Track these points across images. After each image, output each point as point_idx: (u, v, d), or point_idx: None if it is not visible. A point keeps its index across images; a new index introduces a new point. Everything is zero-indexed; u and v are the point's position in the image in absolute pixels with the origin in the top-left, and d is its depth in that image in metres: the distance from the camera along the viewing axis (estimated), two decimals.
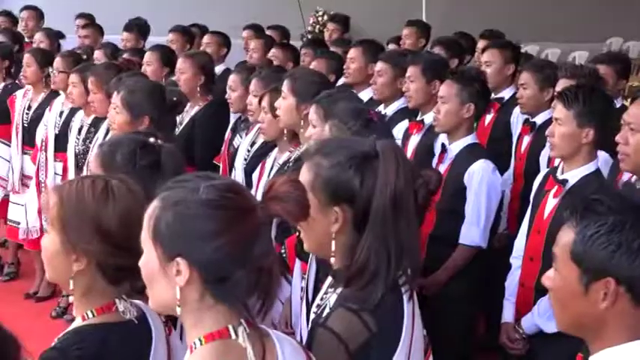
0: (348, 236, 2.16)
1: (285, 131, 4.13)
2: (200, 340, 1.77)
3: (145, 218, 1.81)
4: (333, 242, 2.16)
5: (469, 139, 4.20)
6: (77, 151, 5.56)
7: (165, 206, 1.77)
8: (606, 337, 1.76)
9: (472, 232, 4.09)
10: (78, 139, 5.58)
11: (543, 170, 4.17)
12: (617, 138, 3.23)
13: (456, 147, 4.19)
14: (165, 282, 1.77)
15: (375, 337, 2.05)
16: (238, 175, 4.74)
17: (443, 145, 4.24)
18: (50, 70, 6.11)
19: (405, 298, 2.18)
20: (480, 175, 4.05)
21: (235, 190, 1.82)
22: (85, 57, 6.38)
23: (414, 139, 4.74)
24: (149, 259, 1.79)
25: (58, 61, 6.07)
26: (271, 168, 4.22)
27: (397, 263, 2.13)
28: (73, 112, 5.83)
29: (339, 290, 2.17)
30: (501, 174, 4.94)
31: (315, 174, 2.15)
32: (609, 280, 1.71)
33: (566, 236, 1.77)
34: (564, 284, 1.78)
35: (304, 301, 3.11)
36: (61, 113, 6.00)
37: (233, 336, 1.77)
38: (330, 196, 2.13)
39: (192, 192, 1.76)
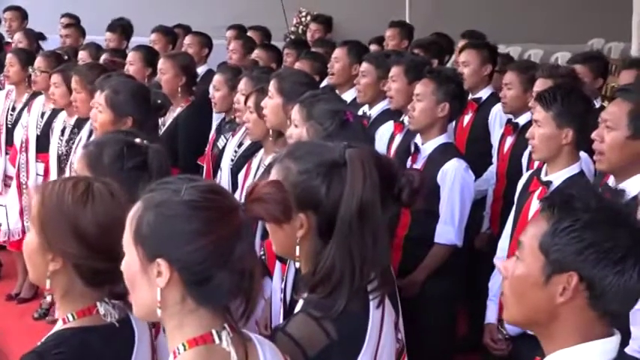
0: (312, 243, 2.15)
1: (271, 132, 4.12)
2: (184, 345, 1.76)
3: (127, 220, 1.80)
4: (298, 247, 2.16)
5: (442, 139, 4.21)
6: (60, 152, 5.53)
7: (147, 207, 1.77)
8: (556, 334, 1.76)
9: (447, 231, 4.10)
10: (61, 140, 5.56)
11: (526, 171, 4.19)
12: (593, 135, 3.24)
13: (428, 147, 4.19)
14: (146, 284, 1.77)
15: (335, 344, 2.04)
16: (224, 176, 4.73)
17: (416, 145, 4.25)
18: (31, 69, 6.08)
19: (373, 304, 2.17)
20: (452, 174, 4.07)
21: (217, 191, 1.82)
22: (66, 57, 6.35)
23: (397, 140, 4.76)
24: (131, 261, 1.79)
25: (39, 61, 6.05)
26: (257, 169, 4.22)
27: (362, 273, 2.12)
28: (55, 113, 5.80)
29: (305, 295, 2.17)
30: (481, 174, 4.99)
31: (283, 178, 2.14)
32: (572, 274, 1.70)
33: (538, 227, 1.76)
34: (526, 273, 1.76)
35: (282, 303, 3.11)
36: (43, 114, 5.97)
37: (217, 341, 1.76)
38: (296, 202, 2.10)
39: (174, 193, 1.77)
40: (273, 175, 2.17)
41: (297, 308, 2.29)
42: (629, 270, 1.69)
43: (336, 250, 2.10)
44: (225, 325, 1.78)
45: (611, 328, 1.76)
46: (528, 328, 1.86)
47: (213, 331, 1.76)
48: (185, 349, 1.75)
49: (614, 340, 1.75)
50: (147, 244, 1.76)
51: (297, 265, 2.19)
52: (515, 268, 1.80)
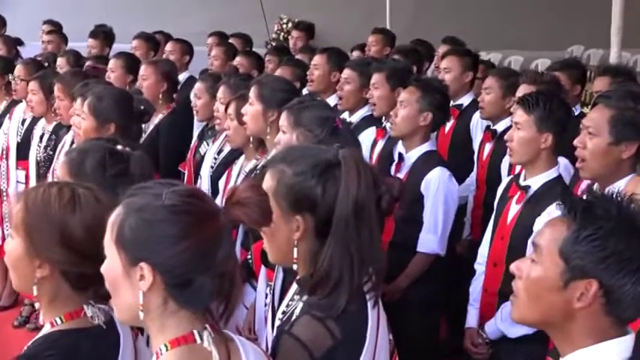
0: (310, 244, 2.18)
1: (252, 138, 4.13)
2: (166, 345, 1.78)
3: (108, 224, 1.82)
4: (295, 250, 2.17)
5: (425, 147, 4.22)
6: (39, 159, 5.52)
7: (129, 212, 1.79)
8: (572, 334, 1.79)
9: (430, 240, 4.12)
10: (39, 146, 5.54)
11: (506, 177, 4.21)
12: (576, 142, 3.26)
13: (412, 155, 4.21)
14: (128, 287, 1.79)
15: (339, 344, 2.07)
16: (204, 182, 4.73)
17: (400, 154, 4.26)
18: (11, 77, 6.05)
19: (370, 304, 2.20)
20: (436, 183, 4.08)
21: (197, 196, 1.84)
22: (46, 64, 6.33)
23: (379, 146, 4.77)
24: (112, 265, 1.81)
25: (18, 69, 6.03)
26: (238, 175, 4.22)
27: (360, 270, 2.15)
28: (35, 120, 5.78)
29: (304, 298, 2.19)
30: (463, 180, 5.02)
31: (278, 181, 2.17)
32: (592, 281, 1.73)
33: (558, 230, 1.78)
34: (543, 276, 1.79)
35: (270, 308, 3.12)
36: (24, 121, 5.95)
37: (198, 341, 1.78)
38: (292, 204, 2.15)
39: (155, 198, 1.78)
40: (267, 180, 2.18)
41: (282, 308, 2.31)
42: None
43: (334, 249, 2.13)
44: (207, 326, 1.81)
45: (624, 328, 1.80)
46: (541, 328, 1.88)
47: (195, 332, 1.79)
48: (167, 350, 1.77)
49: (629, 339, 1.79)
50: (129, 248, 1.77)
51: (295, 267, 2.21)
52: (530, 270, 1.82)
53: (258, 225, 1.91)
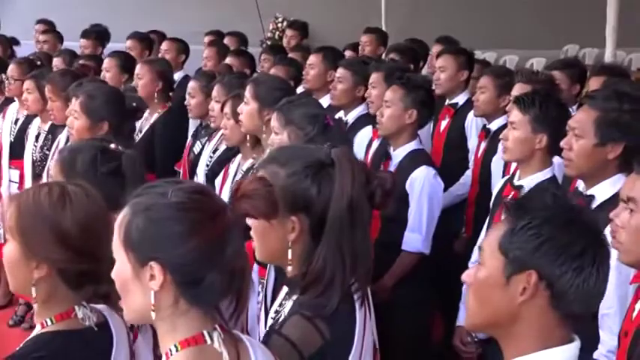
0: (304, 245, 2.17)
1: (248, 137, 4.14)
2: (176, 346, 1.78)
3: (115, 226, 1.81)
4: (290, 251, 2.17)
5: (412, 146, 4.21)
6: (35, 158, 5.52)
7: (136, 212, 1.78)
8: (517, 336, 1.76)
9: (414, 239, 4.10)
10: (35, 146, 5.53)
11: (499, 177, 4.21)
12: (562, 143, 3.25)
13: (399, 153, 4.21)
14: (139, 288, 1.78)
15: (328, 345, 2.07)
16: (200, 181, 4.72)
17: (387, 153, 4.26)
18: (4, 77, 6.04)
19: (357, 305, 2.20)
20: (421, 182, 4.07)
21: (203, 192, 1.84)
22: (39, 63, 6.32)
23: (374, 146, 4.77)
24: (122, 267, 1.80)
25: (12, 69, 6.02)
26: (235, 174, 4.22)
27: (352, 270, 2.15)
28: (29, 119, 5.77)
29: (294, 297, 2.19)
30: (458, 178, 5.01)
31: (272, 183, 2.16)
32: (531, 272, 1.71)
33: (498, 230, 1.78)
34: (487, 276, 1.77)
35: (262, 307, 3.12)
36: (17, 120, 5.93)
37: (208, 341, 1.78)
38: (287, 206, 2.13)
39: (161, 196, 1.78)
40: None
41: (275, 307, 2.30)
42: (587, 267, 1.71)
43: (328, 249, 2.13)
44: (216, 326, 1.80)
45: (571, 333, 1.77)
46: (489, 332, 1.86)
47: (205, 332, 1.78)
48: (177, 350, 1.77)
49: (574, 347, 1.76)
50: (138, 248, 1.77)
51: (289, 268, 2.20)
52: (477, 273, 1.80)
53: (266, 217, 1.90)
